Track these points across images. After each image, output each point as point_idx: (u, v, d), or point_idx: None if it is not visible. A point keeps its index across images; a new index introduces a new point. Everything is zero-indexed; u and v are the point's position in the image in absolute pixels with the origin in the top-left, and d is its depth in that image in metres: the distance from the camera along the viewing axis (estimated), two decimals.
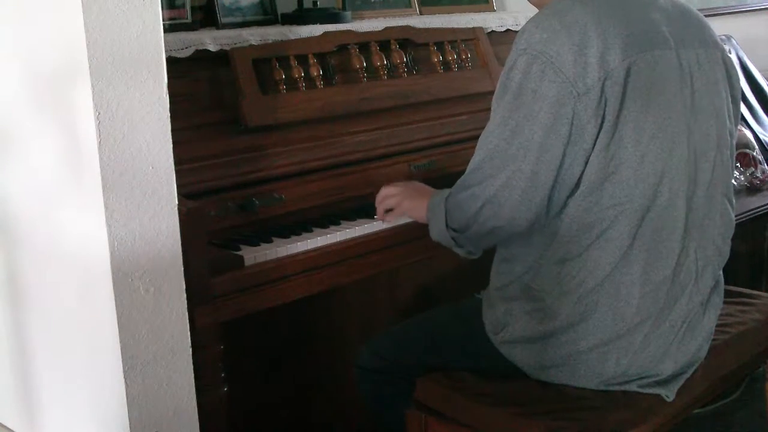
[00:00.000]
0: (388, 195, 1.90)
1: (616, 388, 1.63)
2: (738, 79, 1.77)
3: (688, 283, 1.64)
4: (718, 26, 1.87)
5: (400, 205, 1.87)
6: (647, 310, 1.59)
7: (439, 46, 2.42)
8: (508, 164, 1.53)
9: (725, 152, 1.69)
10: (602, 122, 1.50)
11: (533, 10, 1.69)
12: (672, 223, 1.59)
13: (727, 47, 3.35)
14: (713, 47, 1.69)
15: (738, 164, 2.97)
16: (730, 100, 1.72)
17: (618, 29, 1.52)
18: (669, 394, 1.63)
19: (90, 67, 1.43)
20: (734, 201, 1.77)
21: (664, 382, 1.64)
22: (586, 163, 1.52)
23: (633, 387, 1.62)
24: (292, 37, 2.17)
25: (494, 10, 2.86)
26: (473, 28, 2.53)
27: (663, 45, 1.57)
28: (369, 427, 2.02)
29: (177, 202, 1.57)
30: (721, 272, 1.76)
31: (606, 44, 1.50)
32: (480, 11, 2.80)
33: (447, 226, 1.65)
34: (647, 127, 1.53)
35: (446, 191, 1.68)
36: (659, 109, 1.54)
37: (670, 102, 1.57)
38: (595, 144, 1.51)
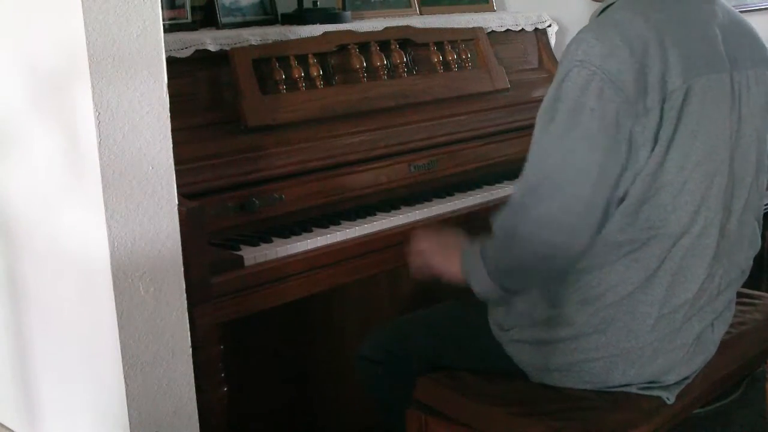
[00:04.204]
0: (416, 252, 1.78)
1: (617, 389, 1.62)
2: None
3: (706, 304, 1.61)
4: None
5: (430, 262, 1.75)
6: (662, 331, 1.56)
7: (439, 46, 2.42)
8: (565, 187, 1.44)
9: (762, 177, 1.66)
10: (654, 145, 1.45)
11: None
12: (702, 251, 1.55)
13: None
14: (763, 66, 1.64)
15: None
16: None
17: (679, 49, 1.46)
18: (670, 396, 1.63)
19: (90, 67, 1.43)
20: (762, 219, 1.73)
21: (666, 388, 1.63)
22: (632, 183, 1.47)
23: (633, 389, 1.62)
24: (292, 37, 2.17)
25: (494, 10, 2.86)
26: (473, 28, 2.53)
27: (719, 67, 1.53)
28: (370, 425, 2.02)
29: (177, 202, 1.57)
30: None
31: (666, 65, 1.44)
32: (480, 11, 2.80)
33: (487, 273, 1.56)
34: (693, 153, 1.48)
35: (477, 243, 1.59)
36: (707, 135, 1.50)
37: (718, 129, 1.52)
38: (644, 166, 1.46)
